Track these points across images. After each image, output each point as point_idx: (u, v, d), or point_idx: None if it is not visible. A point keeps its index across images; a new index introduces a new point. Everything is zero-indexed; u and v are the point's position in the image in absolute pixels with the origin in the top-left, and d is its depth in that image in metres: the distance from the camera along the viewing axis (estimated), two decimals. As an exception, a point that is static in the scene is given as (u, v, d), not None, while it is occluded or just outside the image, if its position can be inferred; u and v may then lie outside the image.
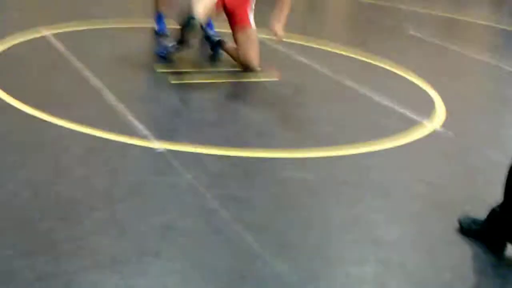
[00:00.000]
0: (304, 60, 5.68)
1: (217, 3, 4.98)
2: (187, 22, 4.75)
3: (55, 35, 5.55)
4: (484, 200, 3.11)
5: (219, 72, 5.12)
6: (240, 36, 5.11)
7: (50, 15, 6.29)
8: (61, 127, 3.76)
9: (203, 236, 2.80)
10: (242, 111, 4.48)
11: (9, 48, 5.12)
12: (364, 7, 9.02)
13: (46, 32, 5.60)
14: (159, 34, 5.82)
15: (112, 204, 2.97)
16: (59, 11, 6.61)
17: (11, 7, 6.74)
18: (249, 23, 5.11)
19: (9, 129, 3.76)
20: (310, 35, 6.56)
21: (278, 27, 4.99)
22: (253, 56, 5.08)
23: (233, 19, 5.14)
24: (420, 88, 5.16)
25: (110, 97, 4.30)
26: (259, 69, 5.09)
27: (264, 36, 5.51)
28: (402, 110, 4.65)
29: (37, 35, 5.50)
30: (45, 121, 3.83)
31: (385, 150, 3.97)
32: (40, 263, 2.44)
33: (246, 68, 5.10)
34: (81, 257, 2.51)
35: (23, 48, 5.19)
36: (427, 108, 4.73)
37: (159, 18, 5.89)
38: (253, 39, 5.11)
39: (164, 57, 5.11)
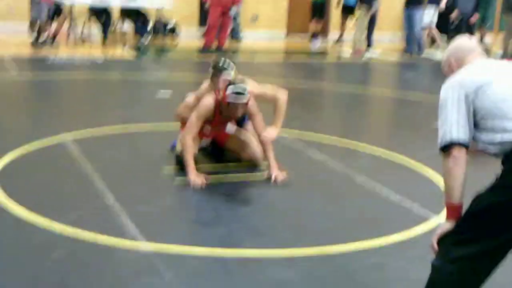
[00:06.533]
0: (319, 157, 5.65)
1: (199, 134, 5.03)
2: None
3: (74, 141, 5.69)
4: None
5: (222, 172, 5.11)
6: (229, 143, 5.25)
7: (74, 121, 6.48)
8: (48, 231, 3.80)
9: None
10: (241, 211, 4.46)
11: (25, 154, 5.27)
12: (396, 104, 9.01)
13: (65, 138, 5.76)
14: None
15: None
16: (83, 117, 6.82)
17: (36, 113, 7.03)
18: (228, 134, 5.19)
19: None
20: (334, 133, 6.53)
21: (269, 131, 5.03)
22: (249, 150, 5.18)
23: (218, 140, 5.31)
24: (434, 184, 5.01)
25: (110, 199, 4.35)
26: (262, 163, 5.10)
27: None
28: (409, 206, 4.54)
29: (56, 141, 5.65)
30: (34, 225, 3.88)
31: (380, 248, 3.86)
32: None
33: (250, 162, 5.21)
34: None
35: (39, 153, 5.35)
36: (437, 204, 4.57)
37: None
38: (242, 138, 5.20)
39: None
